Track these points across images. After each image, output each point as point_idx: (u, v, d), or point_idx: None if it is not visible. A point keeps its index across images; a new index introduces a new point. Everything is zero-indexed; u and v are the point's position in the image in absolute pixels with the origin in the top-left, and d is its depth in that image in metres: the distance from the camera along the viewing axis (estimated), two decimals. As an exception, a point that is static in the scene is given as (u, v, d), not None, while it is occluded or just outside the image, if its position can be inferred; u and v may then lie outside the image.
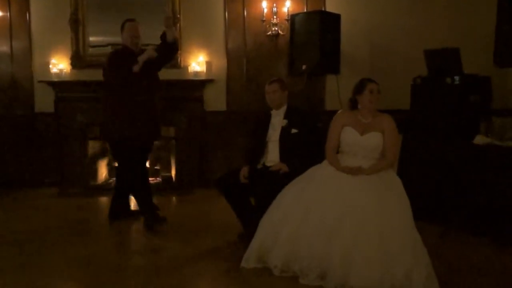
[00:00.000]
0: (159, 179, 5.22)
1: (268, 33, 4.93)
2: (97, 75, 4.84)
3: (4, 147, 5.11)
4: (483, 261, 2.95)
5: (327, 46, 4.40)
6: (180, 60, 4.91)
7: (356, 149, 2.91)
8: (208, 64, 5.01)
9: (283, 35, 4.90)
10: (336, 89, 4.75)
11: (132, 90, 3.51)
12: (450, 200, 3.59)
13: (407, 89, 4.16)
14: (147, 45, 3.85)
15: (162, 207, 3.76)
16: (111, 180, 5.34)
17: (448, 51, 3.86)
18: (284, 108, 3.38)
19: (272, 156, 3.32)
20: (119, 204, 3.87)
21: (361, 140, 2.91)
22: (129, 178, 3.69)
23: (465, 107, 3.78)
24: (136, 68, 3.42)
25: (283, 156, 3.26)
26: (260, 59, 5.01)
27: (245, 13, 4.96)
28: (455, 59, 3.78)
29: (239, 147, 4.94)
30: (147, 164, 4.19)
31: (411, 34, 4.82)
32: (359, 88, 2.97)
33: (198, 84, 5.00)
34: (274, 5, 4.85)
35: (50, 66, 4.97)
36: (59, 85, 4.98)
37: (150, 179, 4.05)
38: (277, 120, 3.37)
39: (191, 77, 4.96)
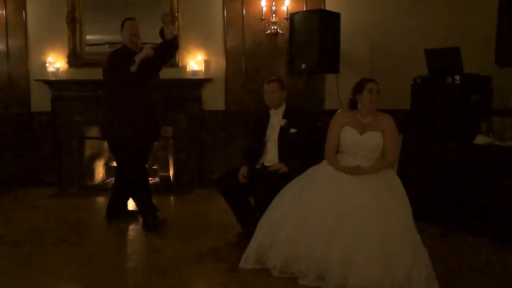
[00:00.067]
0: (157, 179, 5.23)
1: (267, 32, 4.94)
2: (94, 74, 4.87)
3: (0, 147, 5.10)
4: (483, 261, 2.97)
5: (326, 45, 4.41)
6: (178, 59, 4.92)
7: (355, 149, 2.93)
8: (207, 63, 5.01)
9: (282, 34, 4.91)
10: (336, 88, 4.76)
11: (132, 90, 3.51)
12: (450, 200, 3.60)
13: (407, 89, 4.17)
14: (146, 43, 3.85)
15: (161, 207, 3.77)
16: (108, 180, 5.34)
17: (449, 50, 3.87)
18: (283, 108, 3.39)
19: (271, 156, 3.33)
20: (117, 204, 3.88)
21: (360, 140, 2.92)
22: (129, 178, 3.70)
23: (465, 107, 3.79)
24: (133, 68, 3.42)
25: (282, 156, 3.27)
26: (259, 58, 5.01)
27: (244, 12, 4.96)
28: (455, 58, 3.79)
29: (238, 146, 4.95)
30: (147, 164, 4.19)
31: (412, 33, 4.83)
32: (359, 87, 2.98)
33: (197, 83, 5.01)
34: (273, 3, 4.85)
35: (47, 64, 4.97)
36: (55, 84, 4.98)
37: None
38: (276, 119, 3.38)
39: (189, 76, 4.96)
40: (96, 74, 4.82)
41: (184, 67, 4.97)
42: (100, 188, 5.09)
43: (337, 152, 3.03)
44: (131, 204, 4.07)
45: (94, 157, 5.30)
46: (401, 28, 4.88)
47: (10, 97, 5.07)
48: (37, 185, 5.07)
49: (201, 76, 4.99)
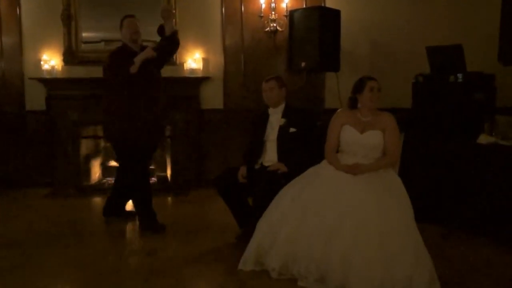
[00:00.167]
0: (154, 179, 5.22)
1: (266, 29, 4.93)
2: (90, 72, 4.88)
3: (-6, 146, 5.10)
4: (485, 262, 2.97)
5: (326, 43, 4.41)
6: (176, 57, 4.90)
7: (355, 148, 2.92)
8: (205, 61, 5.01)
9: (281, 31, 4.90)
10: (336, 87, 4.76)
11: (132, 89, 3.46)
12: (452, 200, 3.60)
13: (408, 87, 4.17)
14: (147, 41, 3.79)
15: (158, 208, 3.75)
16: (104, 180, 5.33)
17: (451, 48, 3.87)
18: (282, 107, 3.38)
19: (270, 156, 3.32)
20: (115, 204, 3.86)
21: (360, 139, 2.91)
22: (128, 178, 3.68)
23: (468, 105, 3.79)
24: (133, 69, 3.37)
25: (281, 156, 3.26)
26: (258, 56, 5.01)
27: (243, 9, 4.95)
28: (458, 56, 3.79)
29: (236, 146, 4.94)
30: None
31: (413, 30, 4.83)
32: (359, 86, 2.97)
33: (195, 82, 5.00)
34: (273, 0, 4.85)
35: (42, 62, 4.95)
36: (50, 82, 4.97)
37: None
38: (275, 118, 3.37)
39: (187, 75, 4.95)
40: (92, 72, 4.84)
41: (182, 65, 4.96)
42: (97, 188, 5.09)
43: (337, 152, 3.02)
44: (130, 205, 4.05)
45: (90, 157, 5.28)
46: (403, 25, 4.88)
47: (4, 96, 5.05)
48: (32, 185, 5.06)
49: (199, 75, 4.98)
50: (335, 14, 4.53)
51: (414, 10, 4.89)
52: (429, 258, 2.51)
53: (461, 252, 3.14)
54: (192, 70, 4.95)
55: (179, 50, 4.75)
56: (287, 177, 2.99)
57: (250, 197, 3.25)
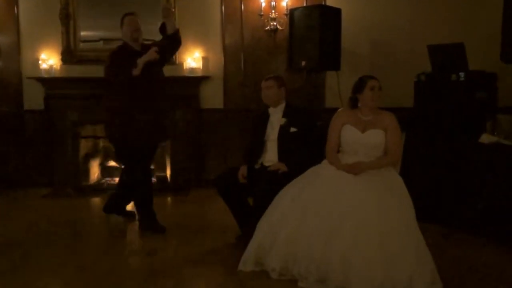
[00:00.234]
0: (154, 179, 5.21)
1: (267, 28, 4.93)
2: (88, 71, 4.88)
3: (-8, 146, 5.10)
4: (486, 262, 2.97)
5: (327, 41, 4.41)
6: (175, 56, 4.90)
7: (357, 148, 2.92)
8: (204, 60, 5.01)
9: (281, 30, 4.90)
10: (336, 86, 4.76)
11: (134, 89, 3.42)
12: (454, 200, 3.60)
13: (410, 86, 4.17)
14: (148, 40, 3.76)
15: (158, 208, 3.75)
16: (103, 180, 5.34)
17: (453, 46, 3.87)
18: (282, 106, 3.38)
19: (271, 156, 3.32)
20: (117, 203, 3.85)
21: (361, 138, 2.91)
22: (130, 179, 3.68)
23: (470, 104, 3.78)
24: (135, 71, 3.33)
25: (282, 156, 3.26)
26: (258, 55, 5.01)
27: (243, 7, 4.96)
28: (460, 54, 3.79)
29: (236, 146, 4.94)
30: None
31: (415, 29, 4.83)
32: (359, 86, 2.97)
33: (194, 81, 5.00)
34: (273, -2, 4.85)
35: (40, 61, 4.95)
36: (49, 82, 4.97)
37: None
38: (276, 118, 3.37)
39: (186, 74, 4.95)
40: (91, 71, 4.85)
41: (181, 65, 4.96)
42: (96, 188, 5.09)
43: (338, 151, 3.03)
44: (131, 205, 4.05)
45: (89, 157, 5.29)
46: (404, 23, 4.88)
47: (2, 95, 5.06)
48: (31, 185, 5.06)
49: (199, 74, 4.98)
50: (335, 12, 4.54)
51: (416, 8, 4.89)
52: (430, 258, 2.51)
53: (462, 252, 3.14)
54: (192, 69, 4.95)
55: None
56: (288, 177, 2.99)
57: (250, 197, 3.25)
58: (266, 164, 3.31)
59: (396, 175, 2.89)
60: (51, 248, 3.25)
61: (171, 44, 3.63)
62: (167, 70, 4.70)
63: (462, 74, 3.78)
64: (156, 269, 2.88)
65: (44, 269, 2.89)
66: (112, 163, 5.48)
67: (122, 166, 4.05)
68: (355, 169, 2.79)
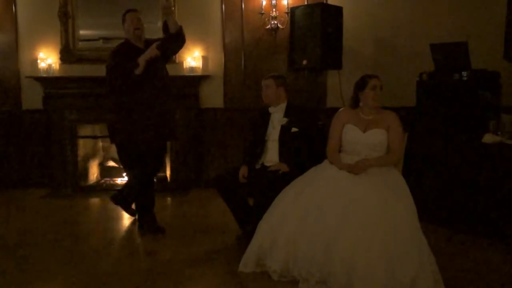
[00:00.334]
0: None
1: (267, 27, 4.93)
2: (87, 70, 4.89)
3: (-10, 146, 5.10)
4: (490, 264, 2.96)
5: (328, 40, 4.40)
6: (175, 55, 4.90)
7: (358, 148, 2.92)
8: (204, 59, 5.01)
9: (282, 29, 4.90)
10: (338, 85, 4.75)
11: (138, 89, 3.38)
12: (457, 201, 3.59)
13: (412, 85, 4.17)
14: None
15: (158, 208, 3.75)
16: (102, 181, 5.34)
17: (456, 45, 3.86)
18: (283, 106, 3.38)
19: (271, 156, 3.32)
20: (122, 198, 3.76)
21: (363, 137, 2.91)
22: (130, 181, 3.66)
23: (473, 104, 3.78)
24: (138, 71, 3.30)
25: (283, 156, 3.26)
26: (259, 54, 5.01)
27: (243, 6, 4.95)
28: (463, 53, 3.78)
29: (237, 145, 4.95)
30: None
31: (417, 28, 4.83)
32: (361, 85, 2.97)
33: (194, 80, 5.00)
34: (273, -3, 4.85)
35: (38, 61, 4.95)
36: (47, 81, 4.97)
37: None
38: (277, 118, 3.37)
39: (186, 73, 4.95)
40: (90, 70, 4.86)
41: (181, 64, 4.96)
42: (95, 189, 5.10)
43: (340, 151, 3.02)
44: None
45: (88, 157, 5.29)
46: (406, 22, 4.88)
47: (0, 95, 5.06)
48: (29, 185, 5.08)
49: (199, 73, 4.98)
50: (337, 11, 4.53)
51: (418, 6, 4.89)
52: (433, 259, 2.50)
53: (465, 254, 3.13)
54: (192, 68, 4.95)
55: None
56: (288, 177, 2.99)
57: (251, 198, 3.25)
58: (267, 164, 3.31)
59: (398, 175, 2.89)
60: (49, 249, 3.26)
61: (175, 42, 3.56)
62: (167, 69, 4.73)
63: (465, 73, 3.77)
64: (155, 270, 2.87)
65: (43, 270, 2.89)
66: (111, 163, 5.48)
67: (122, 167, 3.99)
68: (358, 168, 2.78)
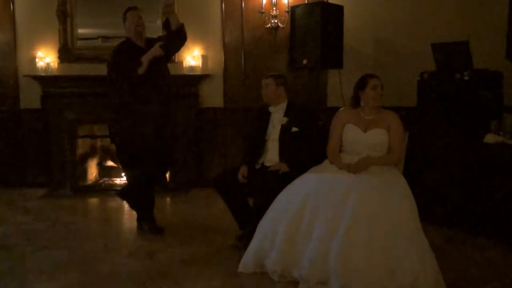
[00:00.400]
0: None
1: (267, 26, 4.93)
2: (86, 69, 4.89)
3: (-13, 146, 5.10)
4: (491, 265, 2.97)
5: (329, 39, 4.40)
6: (175, 54, 4.90)
7: (359, 148, 2.93)
8: (204, 58, 5.01)
9: (283, 27, 4.90)
10: (339, 85, 4.76)
11: (140, 88, 3.36)
12: (459, 202, 3.60)
13: (413, 85, 4.17)
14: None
15: (157, 208, 3.75)
16: (101, 181, 5.34)
17: (457, 44, 3.87)
18: (283, 105, 3.38)
19: (272, 156, 3.33)
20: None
21: (363, 137, 2.92)
22: (127, 179, 3.65)
23: (475, 104, 3.78)
24: (141, 70, 3.28)
25: (283, 156, 3.26)
26: (259, 53, 5.01)
27: (243, 5, 4.96)
28: (464, 53, 3.79)
29: (237, 145, 4.95)
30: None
31: (418, 27, 4.83)
32: (361, 84, 2.98)
33: (194, 80, 5.00)
34: (274, -5, 4.85)
35: (36, 59, 4.95)
36: (46, 80, 4.97)
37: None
38: (277, 117, 3.37)
39: (185, 72, 4.95)
40: (89, 69, 4.86)
41: (181, 63, 4.96)
42: (93, 189, 5.10)
43: (340, 151, 3.03)
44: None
45: (87, 157, 5.29)
46: (407, 21, 4.88)
47: (-2, 94, 5.06)
48: (27, 185, 5.08)
49: (198, 72, 4.98)
50: (337, 9, 4.53)
51: (419, 5, 4.89)
52: (434, 260, 2.51)
53: (467, 254, 3.14)
54: (191, 68, 4.95)
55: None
56: (289, 178, 2.99)
57: (251, 198, 3.25)
58: (267, 164, 3.31)
59: (399, 175, 2.89)
60: (47, 250, 3.26)
61: (176, 39, 3.55)
62: (166, 68, 4.74)
63: (466, 73, 3.78)
64: (155, 271, 2.88)
65: (41, 271, 2.89)
66: (110, 163, 5.49)
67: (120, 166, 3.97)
68: (360, 167, 2.78)
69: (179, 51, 4.77)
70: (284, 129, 3.30)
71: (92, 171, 5.38)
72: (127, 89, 3.38)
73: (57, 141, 5.03)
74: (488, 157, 3.51)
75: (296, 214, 2.71)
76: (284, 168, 3.17)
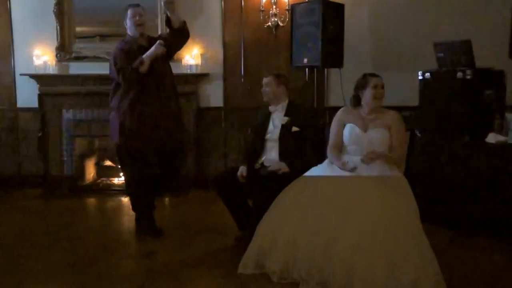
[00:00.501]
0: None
1: (267, 24, 4.94)
2: (84, 68, 4.90)
3: (-16, 145, 5.11)
4: (493, 266, 2.98)
5: (329, 38, 4.40)
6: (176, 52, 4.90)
7: (360, 147, 2.94)
8: (203, 57, 5.02)
9: (283, 26, 4.91)
10: (339, 84, 4.76)
11: (143, 86, 3.34)
12: (461, 202, 3.60)
13: (415, 84, 4.18)
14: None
15: (157, 208, 3.76)
16: (99, 181, 5.35)
17: (459, 43, 3.87)
18: (284, 105, 3.39)
19: (271, 155, 3.33)
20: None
21: (364, 137, 2.93)
22: (125, 179, 3.65)
23: (477, 103, 3.79)
24: (143, 69, 3.27)
25: (283, 156, 3.27)
26: (259, 52, 5.02)
27: (243, 3, 4.97)
28: (466, 52, 3.80)
29: (236, 145, 4.95)
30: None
31: (420, 25, 4.83)
32: (362, 83, 2.99)
33: (193, 79, 5.00)
34: (274, -6, 4.86)
35: (34, 58, 4.95)
36: (43, 79, 4.98)
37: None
38: (277, 117, 3.38)
39: (185, 71, 4.96)
40: (86, 68, 4.87)
41: (180, 61, 4.95)
42: (91, 189, 5.11)
43: (341, 151, 3.03)
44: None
45: (85, 156, 5.30)
46: (409, 19, 4.89)
47: (-6, 93, 5.07)
48: (24, 186, 5.08)
49: (198, 71, 4.99)
50: (338, 8, 4.54)
51: (421, 3, 4.89)
52: (435, 261, 2.51)
53: (468, 255, 3.15)
54: (190, 67, 4.96)
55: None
56: (289, 178, 3.00)
57: (250, 198, 3.26)
58: (267, 164, 3.32)
59: (400, 176, 2.90)
60: (44, 251, 3.26)
61: (179, 37, 3.53)
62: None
63: (468, 72, 3.78)
64: (154, 272, 2.89)
65: (38, 273, 2.90)
66: (108, 163, 5.49)
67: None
68: (369, 159, 2.78)
69: (179, 51, 4.81)
70: (285, 129, 3.31)
71: (90, 171, 5.39)
72: (129, 89, 3.37)
73: (55, 140, 5.04)
74: (490, 157, 3.52)
75: (297, 215, 2.72)
76: (284, 168, 3.17)
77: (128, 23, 3.45)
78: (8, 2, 4.97)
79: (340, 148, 3.05)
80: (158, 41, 3.39)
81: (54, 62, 5.00)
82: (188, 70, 4.96)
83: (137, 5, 3.49)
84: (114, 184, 5.22)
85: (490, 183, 3.47)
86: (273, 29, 4.95)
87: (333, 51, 4.47)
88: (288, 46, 4.84)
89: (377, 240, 2.48)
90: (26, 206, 4.49)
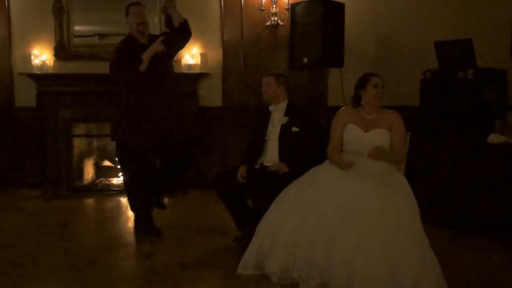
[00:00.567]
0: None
1: (267, 24, 4.95)
2: (82, 67, 4.91)
3: (-19, 145, 5.12)
4: (494, 267, 2.99)
5: (330, 37, 4.42)
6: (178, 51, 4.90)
7: (360, 148, 2.94)
8: (203, 56, 5.03)
9: (283, 25, 4.92)
10: (339, 83, 4.78)
11: (145, 86, 3.33)
12: (461, 202, 3.61)
13: (416, 84, 4.19)
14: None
15: (155, 209, 3.77)
16: (98, 181, 5.36)
17: (461, 42, 3.88)
18: (284, 104, 3.39)
19: (271, 156, 3.34)
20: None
21: (365, 137, 2.94)
22: (124, 179, 3.64)
23: (478, 103, 3.80)
24: (142, 67, 3.26)
25: (283, 156, 3.28)
26: (259, 51, 5.03)
27: (243, 2, 4.98)
28: (468, 51, 3.81)
29: (236, 145, 4.96)
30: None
31: (421, 24, 4.85)
32: (362, 83, 3.00)
33: (192, 78, 5.01)
34: (274, -7, 4.87)
35: (32, 57, 4.96)
36: (41, 78, 4.99)
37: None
38: (277, 117, 3.38)
39: (184, 71, 4.97)
40: (85, 67, 4.88)
41: (179, 61, 4.96)
42: (90, 189, 5.11)
43: (341, 151, 3.04)
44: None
45: (83, 156, 5.30)
46: (410, 19, 4.90)
47: (-8, 92, 5.07)
48: (22, 186, 5.09)
49: (197, 71, 5.00)
50: (339, 7, 4.55)
51: (422, 3, 4.91)
52: (436, 262, 2.52)
53: (469, 256, 3.16)
54: (190, 66, 4.97)
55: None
56: (289, 178, 3.01)
57: (250, 198, 3.27)
58: (267, 164, 3.32)
59: (401, 176, 2.91)
60: (43, 252, 3.27)
61: (180, 36, 3.51)
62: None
63: (470, 71, 3.80)
64: (153, 273, 2.89)
65: (37, 274, 2.90)
66: (107, 163, 5.50)
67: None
68: (376, 156, 2.81)
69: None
70: (284, 129, 3.32)
71: (89, 171, 5.39)
72: (130, 88, 3.36)
73: (53, 140, 5.05)
74: (491, 157, 3.53)
75: (297, 215, 2.72)
76: (284, 168, 3.18)
77: (129, 21, 3.44)
78: (6, 1, 4.97)
79: (341, 148, 3.06)
80: (158, 39, 3.38)
81: (52, 61, 5.01)
82: (188, 70, 4.96)
83: (139, 4, 3.47)
84: (113, 185, 5.23)
85: (491, 183, 3.47)
86: (273, 28, 4.96)
87: (333, 51, 4.49)
88: (288, 45, 4.86)
89: (377, 240, 2.49)
90: (24, 206, 4.49)
